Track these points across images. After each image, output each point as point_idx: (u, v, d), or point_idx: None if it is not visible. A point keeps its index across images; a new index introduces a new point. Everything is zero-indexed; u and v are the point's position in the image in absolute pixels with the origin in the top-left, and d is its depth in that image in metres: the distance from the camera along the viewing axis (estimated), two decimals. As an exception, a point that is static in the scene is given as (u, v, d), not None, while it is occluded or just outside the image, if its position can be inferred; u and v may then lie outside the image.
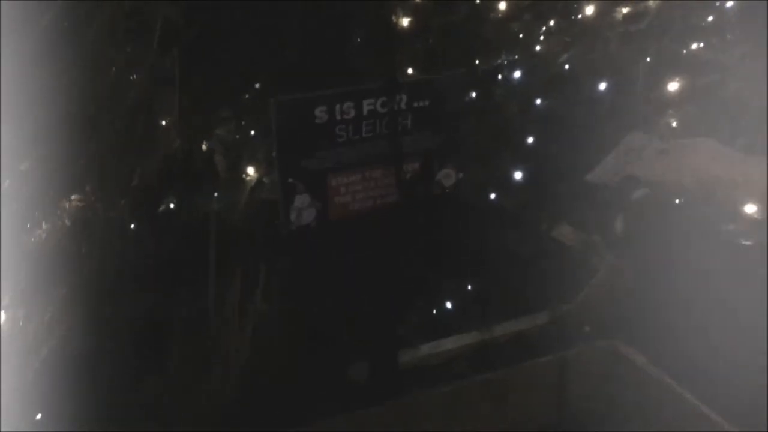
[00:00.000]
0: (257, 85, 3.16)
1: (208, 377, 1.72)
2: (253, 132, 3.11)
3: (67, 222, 1.47)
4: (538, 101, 2.96)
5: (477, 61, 2.88)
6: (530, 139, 2.99)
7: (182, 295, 1.96)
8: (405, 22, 2.85)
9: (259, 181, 2.86)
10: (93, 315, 1.57)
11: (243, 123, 3.13)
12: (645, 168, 2.66)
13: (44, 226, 1.44)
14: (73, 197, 1.44)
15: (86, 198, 1.47)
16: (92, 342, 1.58)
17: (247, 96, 3.15)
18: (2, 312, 1.48)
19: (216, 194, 2.90)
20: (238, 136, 3.12)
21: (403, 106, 2.66)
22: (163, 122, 2.00)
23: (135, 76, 1.50)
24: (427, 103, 2.67)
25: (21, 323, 1.47)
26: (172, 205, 2.63)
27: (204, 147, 2.76)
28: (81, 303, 1.56)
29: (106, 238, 1.53)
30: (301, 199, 2.66)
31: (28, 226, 1.45)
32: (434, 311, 3.35)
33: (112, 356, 1.63)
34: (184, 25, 1.73)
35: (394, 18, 2.87)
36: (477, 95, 2.79)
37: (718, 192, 2.50)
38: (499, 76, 2.99)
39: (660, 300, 2.97)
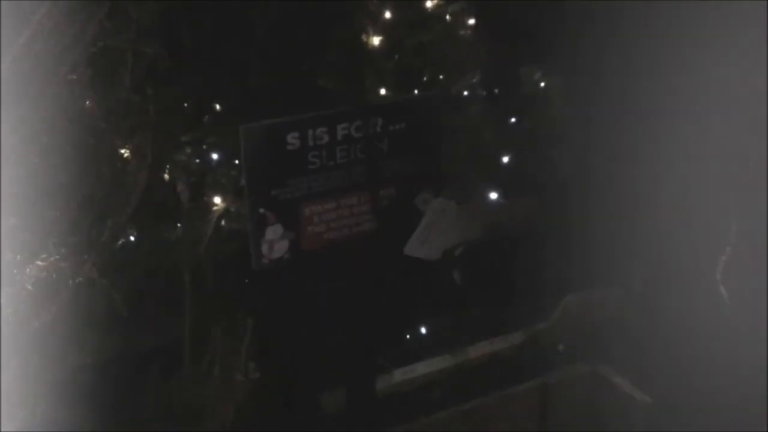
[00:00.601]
0: (218, 107, 2.97)
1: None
2: (215, 156, 2.93)
3: (29, 287, 1.28)
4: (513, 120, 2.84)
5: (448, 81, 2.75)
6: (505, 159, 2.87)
7: (151, 341, 1.78)
8: (376, 41, 2.70)
9: (225, 210, 2.67)
10: (62, 386, 1.39)
11: (204, 147, 2.94)
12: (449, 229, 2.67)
13: (2, 291, 1.26)
14: (39, 259, 1.26)
15: (51, 259, 1.28)
16: (62, 414, 1.40)
17: (206, 118, 2.96)
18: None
19: (179, 225, 2.70)
20: (198, 160, 2.93)
21: (378, 129, 2.51)
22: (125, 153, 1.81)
23: (106, 121, 1.32)
24: (403, 125, 2.52)
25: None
26: (132, 238, 2.43)
27: (166, 175, 2.56)
28: (47, 374, 1.38)
29: (72, 299, 1.35)
30: (273, 230, 2.49)
31: (-16, 291, 1.25)
32: (407, 336, 3.23)
33: (90, 422, 1.45)
34: (157, 58, 1.56)
35: (364, 37, 2.72)
36: (452, 116, 2.65)
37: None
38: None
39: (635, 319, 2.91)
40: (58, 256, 1.32)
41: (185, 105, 2.72)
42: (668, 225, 2.24)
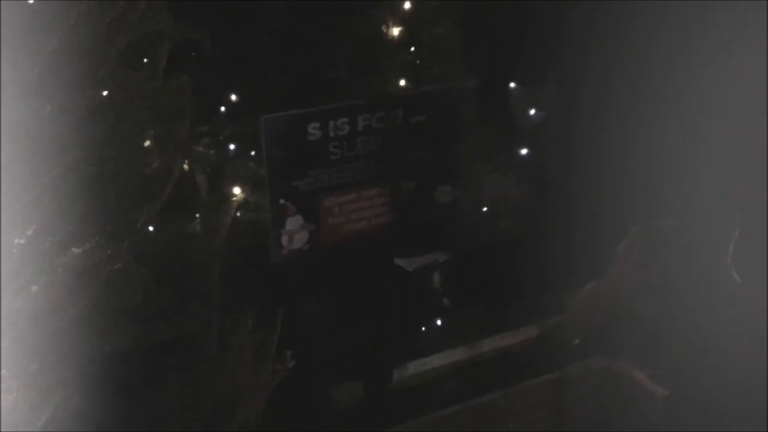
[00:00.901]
0: (234, 98, 2.96)
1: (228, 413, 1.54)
2: (233, 147, 2.91)
3: (63, 276, 1.26)
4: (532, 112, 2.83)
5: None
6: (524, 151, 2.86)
7: (180, 339, 1.76)
8: (395, 32, 2.68)
9: (244, 201, 2.65)
10: (93, 374, 1.38)
11: (221, 138, 2.93)
12: None
13: (38, 283, 1.24)
14: (75, 247, 1.24)
15: (87, 246, 1.27)
16: (93, 400, 1.38)
17: (223, 109, 2.95)
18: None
19: (198, 215, 2.68)
20: (213, 152, 2.91)
21: (399, 121, 2.49)
22: (147, 143, 1.79)
23: (144, 107, 1.31)
24: (424, 117, 2.51)
25: (13, 395, 1.27)
26: (151, 228, 2.41)
27: (185, 166, 2.54)
28: (79, 362, 1.36)
29: (107, 287, 1.33)
30: (293, 221, 2.47)
31: (19, 284, 1.24)
32: (423, 328, 3.21)
33: (116, 411, 1.43)
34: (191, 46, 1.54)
35: (383, 28, 2.69)
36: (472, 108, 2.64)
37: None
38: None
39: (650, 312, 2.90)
40: (93, 245, 1.30)
41: (204, 96, 2.70)
42: (677, 215, 2.23)
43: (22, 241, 1.18)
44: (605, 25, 2.30)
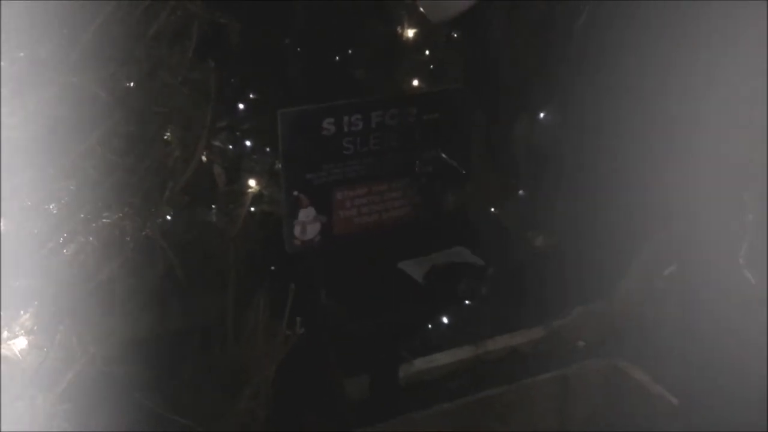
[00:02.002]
0: (252, 96, 3.10)
1: (235, 400, 1.66)
2: (249, 143, 3.05)
3: (94, 241, 1.39)
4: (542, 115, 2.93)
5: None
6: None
7: (197, 312, 1.89)
8: (410, 33, 2.81)
9: (259, 193, 2.79)
10: (118, 335, 1.50)
11: (238, 134, 3.07)
12: None
13: (71, 245, 1.37)
14: (104, 215, 1.37)
15: (116, 216, 1.39)
16: (116, 365, 1.51)
17: (242, 106, 3.09)
18: (23, 337, 1.40)
19: (214, 206, 2.81)
20: (231, 147, 3.05)
21: (412, 119, 2.61)
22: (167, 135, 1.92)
23: (173, 86, 1.44)
24: (436, 115, 2.63)
25: (45, 349, 1.40)
26: (168, 217, 2.54)
27: (204, 158, 2.67)
28: (106, 325, 1.49)
29: (135, 257, 1.46)
30: (306, 213, 2.59)
31: (50, 246, 1.37)
32: (430, 326, 3.31)
33: (137, 379, 1.56)
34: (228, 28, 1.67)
35: (399, 29, 2.83)
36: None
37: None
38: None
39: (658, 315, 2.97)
40: (122, 215, 1.43)
41: (224, 92, 2.83)
42: (685, 219, 2.29)
43: (58, 208, 1.30)
44: (614, 30, 2.36)
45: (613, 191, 2.53)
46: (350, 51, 2.98)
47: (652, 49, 2.17)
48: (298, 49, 2.96)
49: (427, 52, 3.01)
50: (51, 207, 1.29)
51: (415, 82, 2.88)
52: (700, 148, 2.06)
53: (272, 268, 2.84)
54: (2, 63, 1.12)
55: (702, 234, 2.24)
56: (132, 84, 1.28)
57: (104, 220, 1.39)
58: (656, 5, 2.07)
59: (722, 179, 2.08)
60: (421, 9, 2.16)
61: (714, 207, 2.10)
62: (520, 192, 3.02)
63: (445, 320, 3.29)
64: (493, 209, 3.17)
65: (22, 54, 1.22)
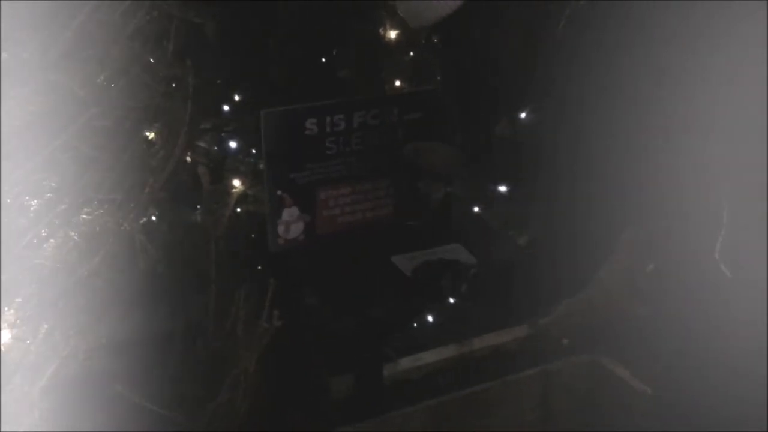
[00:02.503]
0: (237, 98, 3.13)
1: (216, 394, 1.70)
2: (234, 144, 3.09)
3: (75, 236, 1.44)
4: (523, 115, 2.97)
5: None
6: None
7: (179, 307, 1.93)
8: (392, 35, 2.86)
9: (243, 193, 2.83)
10: (100, 331, 1.54)
11: (222, 134, 3.10)
12: None
13: (51, 241, 1.41)
14: (85, 210, 1.41)
15: (96, 213, 1.44)
16: (98, 359, 1.55)
17: (226, 108, 3.12)
18: (6, 330, 1.44)
19: (199, 206, 2.85)
20: (216, 148, 3.09)
21: (394, 118, 2.66)
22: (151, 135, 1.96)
23: (152, 85, 1.48)
24: (418, 115, 2.68)
25: (27, 342, 1.44)
26: (153, 218, 2.58)
27: (188, 158, 2.72)
28: (87, 319, 1.53)
29: (116, 252, 1.50)
30: (290, 212, 2.64)
31: (35, 241, 1.41)
32: (414, 325, 3.35)
33: (119, 372, 1.60)
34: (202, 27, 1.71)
35: (381, 31, 2.88)
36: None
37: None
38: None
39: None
40: (102, 211, 1.47)
41: (207, 94, 2.87)
42: (661, 214, 2.32)
43: (40, 202, 1.34)
44: (601, 32, 2.38)
45: (592, 189, 2.55)
46: (333, 52, 3.03)
47: (635, 49, 2.19)
48: (282, 51, 3.00)
49: (411, 54, 3.06)
50: (32, 202, 1.33)
51: (398, 83, 2.93)
52: (677, 144, 2.09)
53: (257, 267, 2.88)
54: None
55: (678, 230, 2.26)
56: (106, 81, 1.32)
57: (84, 216, 1.43)
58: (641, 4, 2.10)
59: (698, 174, 2.10)
60: (401, 14, 2.20)
61: (689, 202, 2.13)
62: (503, 190, 3.06)
63: (430, 319, 3.33)
64: (476, 208, 3.20)
65: (6, 55, 1.26)
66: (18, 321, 1.41)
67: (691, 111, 2.06)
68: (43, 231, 1.38)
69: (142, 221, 1.79)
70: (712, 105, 2.03)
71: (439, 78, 3.01)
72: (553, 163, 2.72)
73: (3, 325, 1.40)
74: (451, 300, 3.29)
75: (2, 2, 1.23)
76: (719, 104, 2.02)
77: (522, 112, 2.85)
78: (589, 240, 2.77)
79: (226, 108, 3.08)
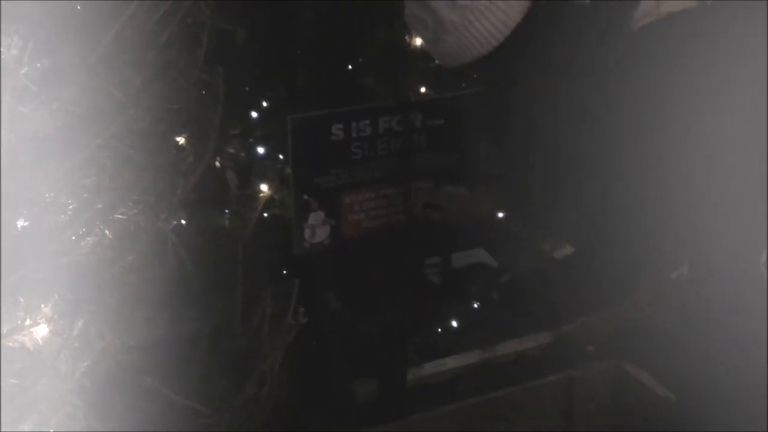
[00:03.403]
0: (265, 104, 3.21)
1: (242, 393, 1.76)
2: (261, 150, 3.17)
3: (110, 235, 1.51)
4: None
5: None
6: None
7: (207, 307, 2.00)
8: (417, 42, 2.92)
9: (270, 197, 2.90)
10: (132, 328, 1.61)
11: (250, 140, 3.18)
12: None
13: (88, 239, 1.48)
14: (119, 210, 1.48)
15: (130, 213, 1.51)
16: (130, 356, 1.62)
17: (254, 114, 3.20)
18: (44, 325, 1.51)
19: (227, 210, 2.93)
20: (243, 154, 3.16)
21: (418, 124, 2.71)
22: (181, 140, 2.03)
23: (184, 89, 1.55)
24: (441, 121, 2.73)
25: (64, 336, 1.50)
26: (183, 221, 2.65)
27: (217, 163, 2.80)
28: (121, 317, 1.59)
29: (148, 251, 1.57)
30: (315, 216, 2.70)
31: (73, 238, 1.48)
32: (439, 330, 3.40)
33: (150, 369, 1.66)
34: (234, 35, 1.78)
35: (407, 38, 2.94)
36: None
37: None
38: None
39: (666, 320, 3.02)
40: (136, 211, 1.54)
41: (236, 100, 2.94)
42: (700, 222, 2.27)
43: (78, 201, 1.41)
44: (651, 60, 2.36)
45: (627, 196, 2.51)
46: (360, 59, 3.09)
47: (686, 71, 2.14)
48: (308, 57, 3.08)
49: (436, 61, 3.11)
50: (69, 201, 1.40)
51: (423, 89, 2.99)
52: (720, 151, 2.04)
53: (283, 271, 2.95)
54: (28, 67, 1.24)
55: (718, 238, 2.19)
56: (143, 84, 1.39)
57: (119, 216, 1.50)
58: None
59: (741, 183, 2.05)
60: (431, 53, 2.19)
61: (732, 212, 2.07)
62: (531, 198, 3.07)
63: (454, 324, 3.37)
64: (502, 214, 3.23)
65: (46, 60, 1.33)
66: (55, 316, 1.48)
67: (739, 120, 2.02)
68: (81, 229, 1.45)
69: (173, 224, 1.85)
70: (761, 110, 2.00)
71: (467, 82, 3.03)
72: (594, 175, 2.69)
73: (41, 320, 1.47)
74: (476, 305, 3.33)
75: (45, 11, 1.31)
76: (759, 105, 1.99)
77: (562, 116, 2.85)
78: (624, 250, 2.73)
79: (254, 114, 3.17)
